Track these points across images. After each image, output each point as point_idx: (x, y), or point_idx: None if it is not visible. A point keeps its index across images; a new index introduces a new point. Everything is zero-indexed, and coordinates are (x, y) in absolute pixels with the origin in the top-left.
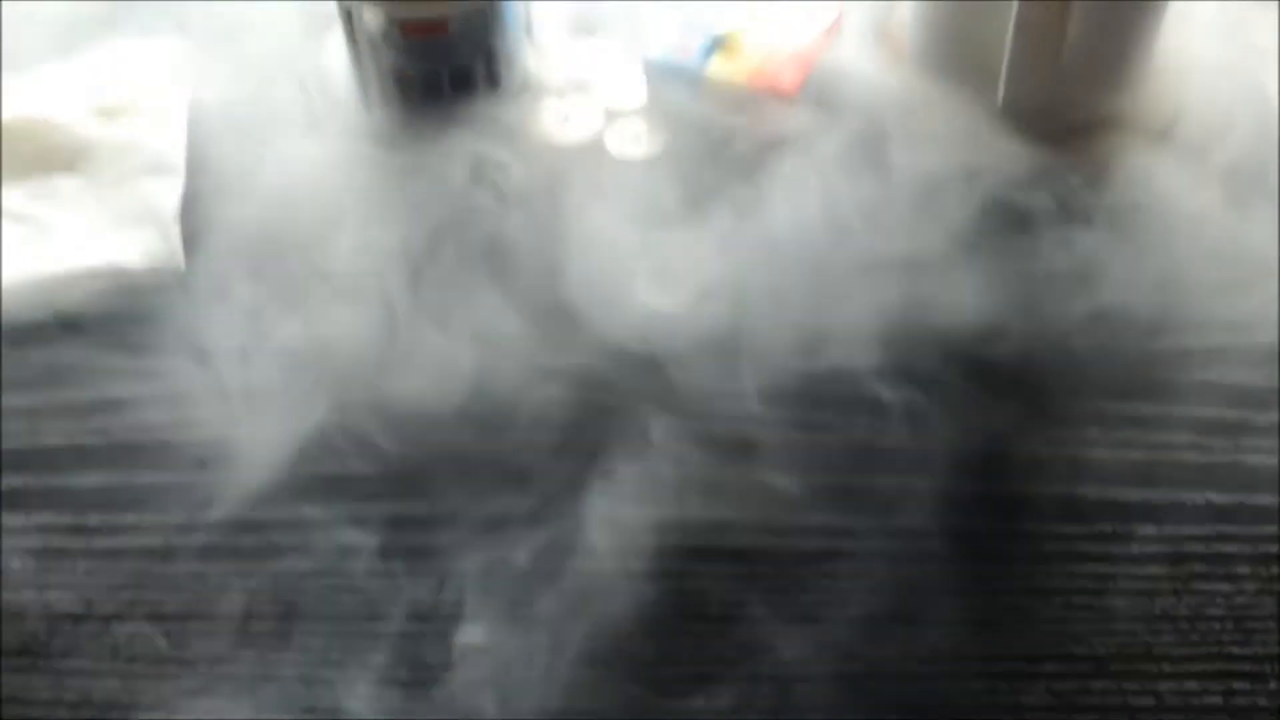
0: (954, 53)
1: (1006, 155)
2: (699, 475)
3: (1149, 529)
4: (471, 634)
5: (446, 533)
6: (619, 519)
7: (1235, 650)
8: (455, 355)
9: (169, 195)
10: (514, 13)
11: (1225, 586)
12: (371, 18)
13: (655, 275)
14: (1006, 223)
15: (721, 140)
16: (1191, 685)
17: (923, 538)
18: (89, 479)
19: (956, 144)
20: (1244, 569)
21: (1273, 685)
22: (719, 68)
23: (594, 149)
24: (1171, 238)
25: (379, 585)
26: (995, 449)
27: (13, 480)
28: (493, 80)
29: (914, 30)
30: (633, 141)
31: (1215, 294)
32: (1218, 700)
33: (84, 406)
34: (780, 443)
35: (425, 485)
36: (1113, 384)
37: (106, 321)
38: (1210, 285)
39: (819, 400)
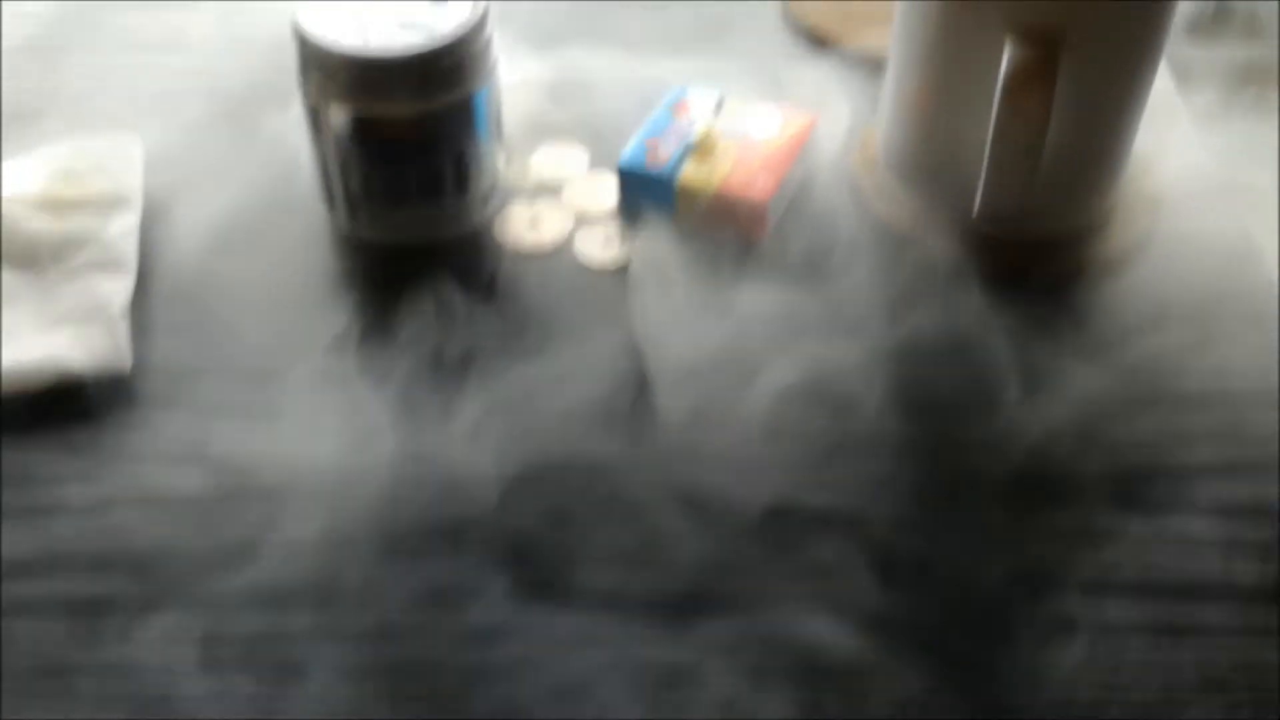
0: (929, 161)
1: (982, 264)
2: None
3: None
4: None
5: None
6: None
7: None
8: (417, 473)
9: (118, 293)
10: (484, 115)
11: None
12: (338, 117)
13: (633, 386)
14: (980, 334)
15: (693, 247)
16: None
17: None
18: (19, 588)
19: (931, 252)
20: None
21: None
22: (691, 174)
23: (564, 254)
24: (1146, 358)
25: None
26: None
27: None
28: (461, 183)
29: (888, 138)
30: (603, 247)
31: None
32: None
33: (19, 511)
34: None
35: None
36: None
37: (47, 422)
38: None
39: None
